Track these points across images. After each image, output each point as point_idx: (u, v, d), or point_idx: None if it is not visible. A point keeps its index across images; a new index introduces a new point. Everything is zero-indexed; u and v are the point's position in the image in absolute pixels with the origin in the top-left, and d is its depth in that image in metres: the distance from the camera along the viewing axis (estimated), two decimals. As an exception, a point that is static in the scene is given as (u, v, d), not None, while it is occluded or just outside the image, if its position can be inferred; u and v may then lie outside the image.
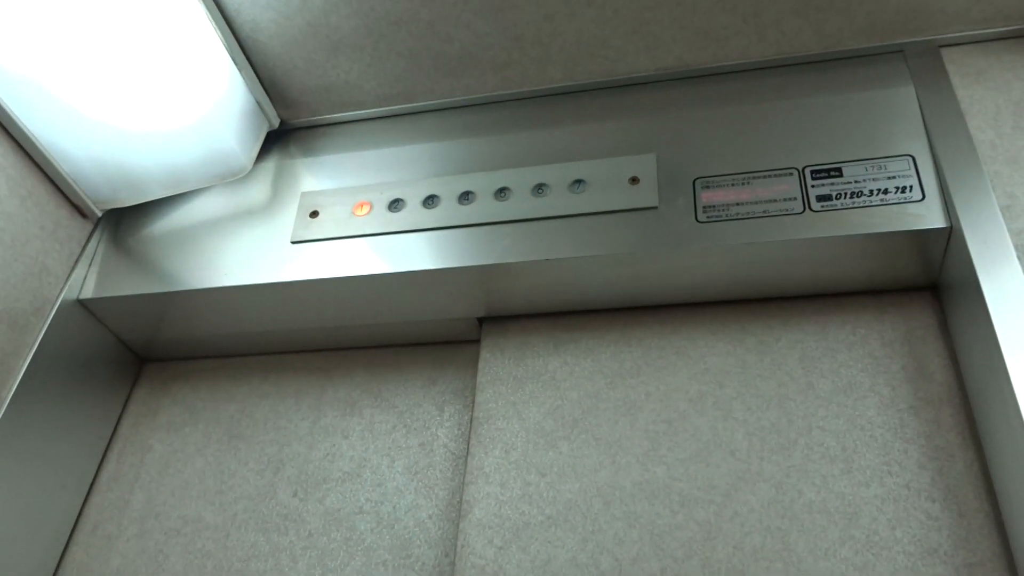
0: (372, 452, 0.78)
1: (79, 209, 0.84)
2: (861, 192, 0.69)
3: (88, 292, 0.82)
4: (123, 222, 0.87)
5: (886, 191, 0.68)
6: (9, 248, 0.76)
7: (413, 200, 0.79)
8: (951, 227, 0.65)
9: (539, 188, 0.76)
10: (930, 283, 0.71)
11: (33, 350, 0.77)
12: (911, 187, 0.68)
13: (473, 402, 0.76)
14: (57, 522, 0.80)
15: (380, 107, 0.87)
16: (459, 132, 0.83)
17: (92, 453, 0.85)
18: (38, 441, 0.78)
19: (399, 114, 0.87)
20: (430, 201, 0.79)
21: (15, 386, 0.75)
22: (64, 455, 0.81)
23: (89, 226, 0.85)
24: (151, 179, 0.83)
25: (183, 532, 0.78)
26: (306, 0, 0.77)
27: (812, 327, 0.72)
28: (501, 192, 0.77)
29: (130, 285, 0.82)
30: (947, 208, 0.66)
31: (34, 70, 0.74)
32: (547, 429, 0.72)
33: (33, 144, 0.78)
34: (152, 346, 0.90)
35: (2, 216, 0.75)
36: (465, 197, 0.78)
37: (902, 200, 0.67)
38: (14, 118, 0.76)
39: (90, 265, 0.84)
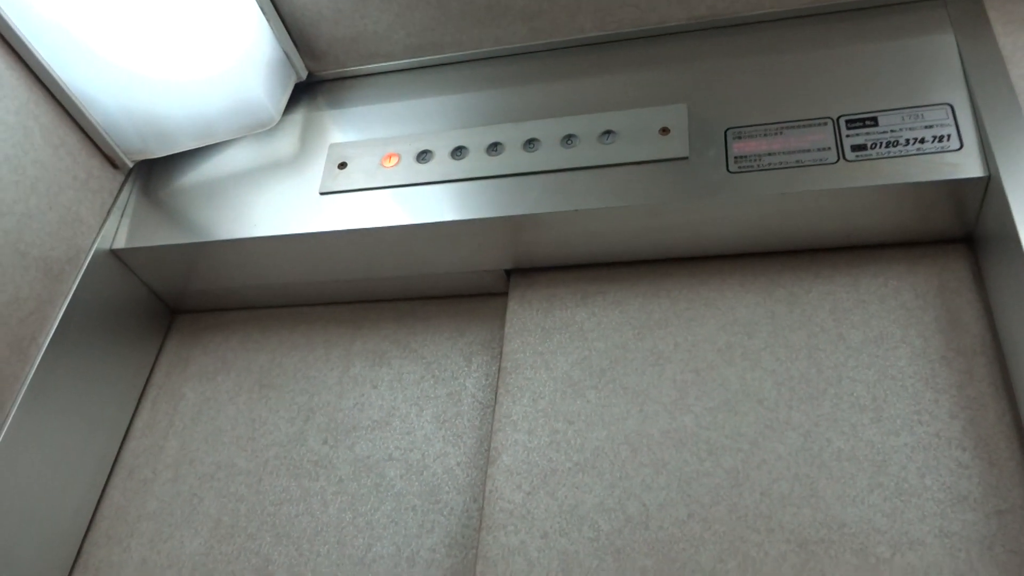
0: (401, 401, 0.79)
1: (110, 160, 0.85)
2: (897, 141, 0.68)
3: (120, 242, 0.83)
4: (153, 173, 0.88)
5: (923, 140, 0.67)
6: (43, 197, 0.77)
7: (441, 151, 0.79)
8: (989, 176, 0.64)
9: (568, 139, 0.76)
10: (965, 234, 0.70)
11: (68, 299, 0.79)
12: (949, 136, 0.67)
13: (501, 353, 0.76)
14: (94, 466, 0.82)
15: (408, 58, 0.86)
16: (488, 83, 0.83)
17: (126, 401, 0.87)
18: (74, 387, 0.80)
19: (427, 65, 0.86)
20: (458, 152, 0.78)
21: (51, 333, 0.77)
22: (99, 401, 0.83)
23: (120, 177, 0.86)
24: (180, 130, 0.84)
25: (216, 477, 0.80)
26: (334, -52, 0.77)
27: (844, 279, 0.71)
28: (530, 143, 0.77)
29: (161, 236, 0.83)
30: (985, 157, 0.65)
31: (66, 19, 0.74)
32: (575, 378, 0.72)
33: (65, 93, 0.78)
34: (183, 297, 0.91)
35: (37, 165, 0.76)
36: (493, 148, 0.77)
37: (939, 149, 0.66)
38: (47, 67, 0.76)
39: (122, 216, 0.85)
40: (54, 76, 0.77)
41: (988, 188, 0.65)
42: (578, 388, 0.72)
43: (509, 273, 0.81)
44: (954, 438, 0.62)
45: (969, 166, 0.65)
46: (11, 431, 0.73)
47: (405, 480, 0.74)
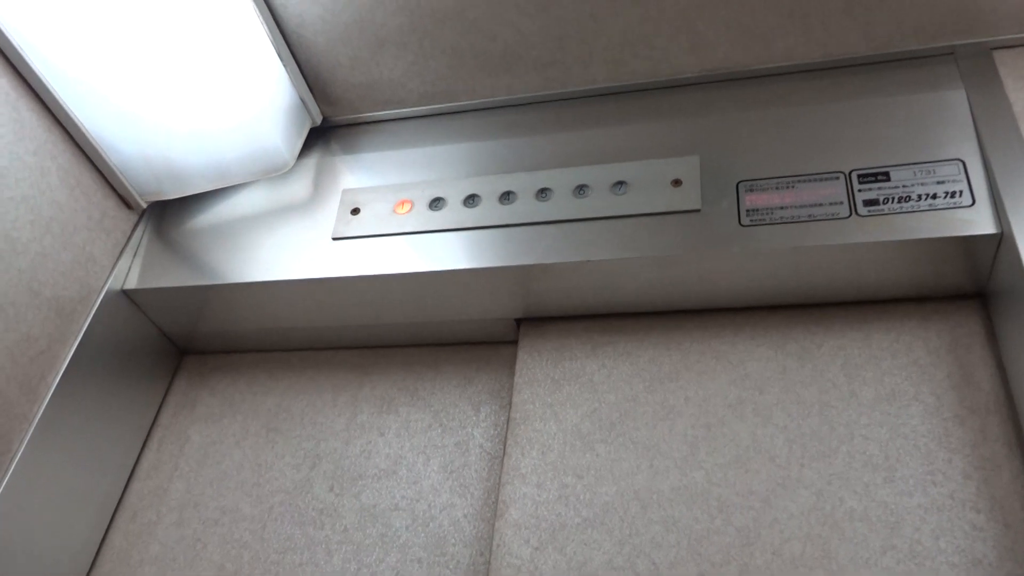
0: (408, 450, 0.79)
1: (125, 200, 0.85)
2: (909, 197, 0.68)
3: (132, 283, 0.84)
4: (167, 214, 0.88)
5: (935, 196, 0.67)
6: (58, 237, 0.77)
7: (454, 199, 0.79)
8: (1002, 233, 0.64)
9: (580, 189, 0.76)
10: (978, 290, 0.70)
11: (79, 338, 0.79)
12: (961, 192, 0.67)
13: (510, 403, 0.76)
14: (98, 508, 0.82)
15: (422, 105, 0.87)
16: (501, 132, 0.84)
17: (133, 441, 0.86)
18: (81, 427, 0.79)
19: (441, 113, 0.87)
20: (471, 200, 0.79)
21: (60, 372, 0.77)
22: (105, 442, 0.83)
23: (134, 217, 0.87)
24: (195, 173, 0.84)
25: (221, 522, 0.79)
26: (352, -2, 0.78)
27: (855, 334, 0.71)
28: (542, 192, 0.77)
29: (173, 277, 0.83)
30: (998, 214, 0.65)
31: (87, 66, 0.75)
32: (584, 431, 0.72)
33: (84, 136, 0.79)
34: (192, 338, 0.91)
35: (53, 205, 0.77)
36: (506, 197, 0.78)
37: (951, 205, 0.66)
38: (66, 110, 0.77)
39: (134, 256, 0.85)
40: (74, 119, 0.78)
41: (1000, 245, 0.65)
42: (588, 441, 0.71)
43: (519, 322, 0.81)
44: (968, 499, 0.61)
45: (981, 223, 0.65)
46: (17, 470, 0.73)
47: (411, 531, 0.74)
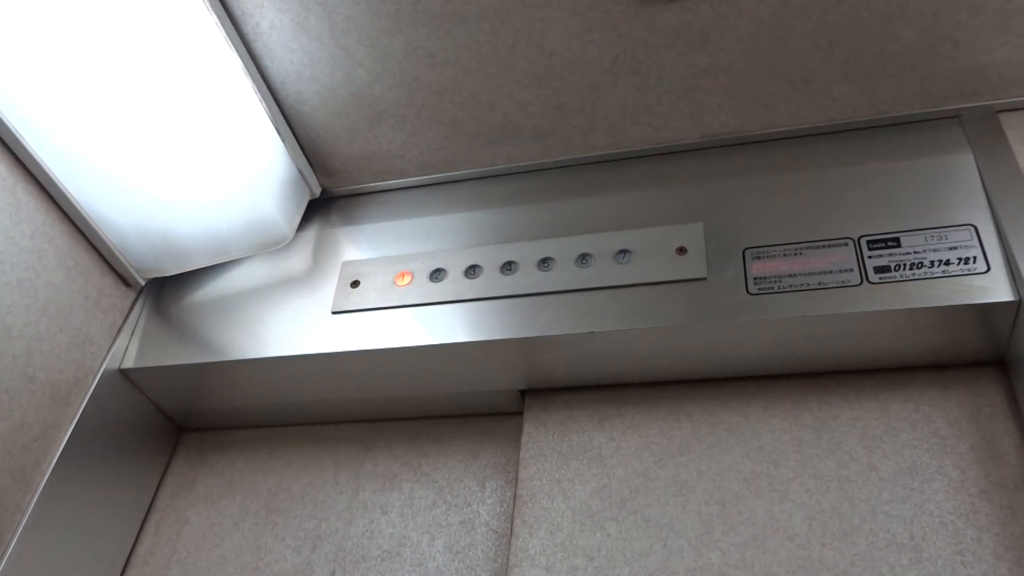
0: (412, 529, 0.76)
1: (123, 278, 0.84)
2: (922, 263, 0.66)
3: (130, 362, 0.82)
4: (165, 290, 0.87)
5: (948, 262, 0.65)
6: (55, 319, 0.76)
7: (455, 270, 0.78)
8: (1020, 300, 0.62)
9: (583, 258, 0.75)
10: (997, 358, 0.68)
11: (74, 422, 0.77)
12: (975, 258, 0.65)
13: (516, 478, 0.73)
14: (93, 598, 0.79)
15: (422, 175, 0.86)
16: (501, 201, 0.83)
17: (130, 525, 0.84)
18: (77, 513, 0.77)
19: (441, 182, 0.87)
20: (472, 271, 0.77)
21: (55, 458, 0.75)
22: (102, 527, 0.80)
23: (132, 295, 0.86)
24: (194, 248, 0.83)
25: (219, 611, 0.77)
26: (350, 72, 0.78)
27: (872, 404, 0.69)
28: (544, 262, 0.76)
29: (171, 355, 0.81)
30: (1014, 280, 0.63)
31: (81, 141, 0.75)
32: (594, 509, 0.69)
33: (80, 214, 0.79)
34: (191, 415, 0.89)
35: (49, 287, 0.76)
36: (508, 267, 0.77)
37: (966, 272, 0.64)
38: (62, 189, 0.77)
39: (132, 335, 0.84)
40: (69, 198, 0.77)
41: (1020, 312, 0.63)
42: (597, 520, 0.68)
43: (524, 393, 0.79)
44: (1001, 582, 0.58)
45: (998, 289, 0.63)
46: (11, 562, 0.70)
47: (416, 618, 0.71)
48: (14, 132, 0.73)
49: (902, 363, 0.69)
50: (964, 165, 0.70)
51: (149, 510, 0.86)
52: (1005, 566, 0.59)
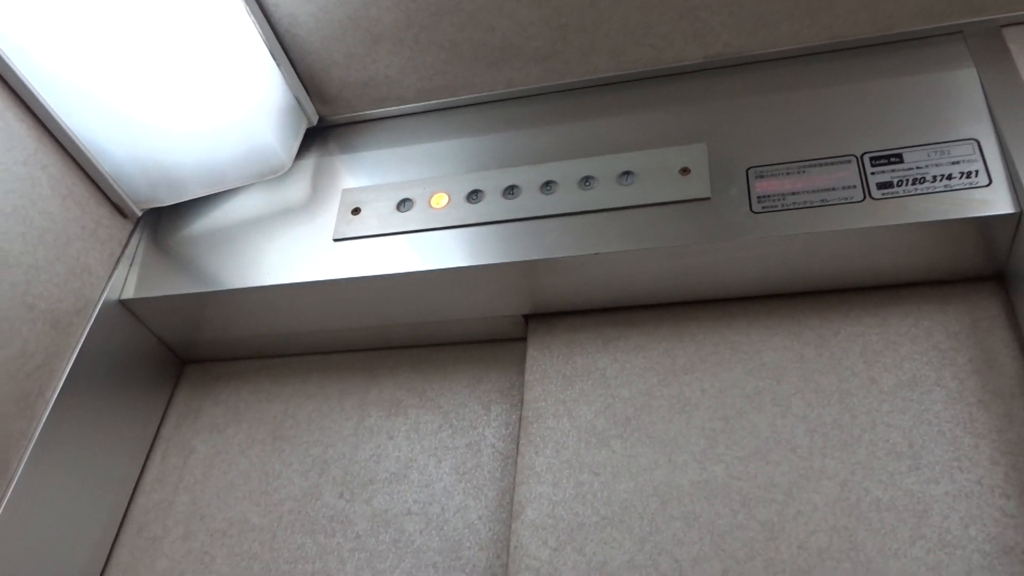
0: (418, 452, 0.77)
1: (119, 208, 0.83)
2: (924, 178, 0.66)
3: (129, 292, 0.82)
4: (162, 221, 0.86)
5: (950, 176, 0.66)
6: (51, 248, 0.75)
7: (457, 195, 0.77)
8: (1021, 212, 0.63)
9: (586, 181, 0.74)
10: (996, 272, 0.69)
11: (76, 351, 0.77)
12: (976, 172, 0.65)
13: (521, 401, 0.74)
14: (102, 523, 0.80)
15: (421, 102, 0.85)
16: (502, 125, 0.82)
17: (135, 454, 0.84)
18: (82, 442, 0.78)
19: (440, 108, 0.85)
20: (474, 196, 0.77)
21: (59, 387, 0.75)
22: (107, 456, 0.81)
23: (129, 226, 0.85)
24: (190, 178, 0.82)
25: (229, 534, 0.78)
26: (346, -7, 0.76)
27: (872, 320, 0.70)
28: (547, 185, 0.75)
29: (171, 285, 0.81)
30: (1016, 193, 0.63)
31: (73, 69, 0.73)
32: (599, 428, 0.70)
33: (74, 143, 0.77)
34: (193, 347, 0.89)
35: (45, 216, 0.75)
36: (510, 191, 0.76)
37: (968, 186, 0.65)
38: (55, 116, 0.75)
39: (131, 265, 0.83)
40: (62, 126, 0.76)
41: (1020, 225, 0.63)
42: (603, 438, 0.69)
43: (528, 318, 0.79)
44: (997, 485, 0.60)
45: (999, 202, 0.64)
46: (18, 489, 0.71)
47: (425, 536, 0.72)
48: (5, 59, 0.71)
49: (902, 280, 0.70)
50: (967, 80, 0.70)
51: (155, 439, 0.86)
52: (1001, 471, 0.60)
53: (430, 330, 0.83)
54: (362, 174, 0.83)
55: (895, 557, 0.59)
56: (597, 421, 0.71)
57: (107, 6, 0.69)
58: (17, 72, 0.72)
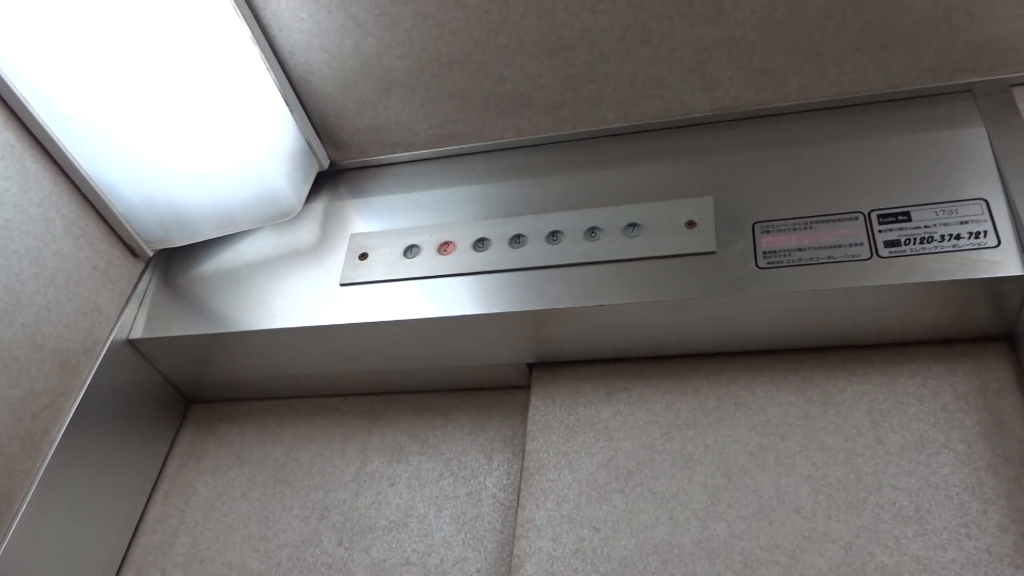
0: (419, 500, 0.77)
1: (131, 248, 0.84)
2: (932, 237, 0.66)
3: (138, 332, 0.82)
4: (173, 262, 0.87)
5: (958, 236, 0.65)
6: (63, 288, 0.76)
7: (463, 243, 0.78)
8: (1030, 275, 0.62)
9: (592, 231, 0.75)
10: (1006, 333, 0.68)
11: (83, 391, 0.77)
12: (985, 232, 0.65)
13: (523, 451, 0.74)
14: (103, 564, 0.79)
15: (431, 148, 0.86)
16: (510, 174, 0.82)
17: (138, 494, 0.84)
18: (85, 482, 0.78)
19: (450, 155, 0.86)
20: (480, 244, 0.77)
21: (64, 427, 0.75)
22: (111, 497, 0.81)
23: (140, 265, 0.86)
24: (202, 219, 0.83)
25: (227, 579, 0.77)
26: (359, 42, 0.77)
27: (879, 378, 0.69)
28: (553, 235, 0.76)
29: (179, 326, 0.82)
30: (1025, 255, 0.63)
31: (89, 111, 0.74)
32: (600, 481, 0.69)
33: (88, 184, 0.78)
34: (199, 387, 0.90)
35: (57, 256, 0.76)
36: (516, 240, 0.76)
37: (976, 246, 0.64)
38: (70, 158, 0.77)
39: (140, 305, 0.84)
40: (78, 167, 0.77)
41: (1029, 287, 0.63)
42: (604, 492, 0.69)
43: (532, 367, 0.79)
44: (1006, 554, 0.58)
45: (1008, 264, 0.63)
46: (19, 528, 0.71)
47: (423, 587, 0.71)
48: (23, 101, 0.72)
49: (910, 338, 0.69)
50: (976, 139, 0.70)
51: (157, 480, 0.86)
52: (1010, 538, 0.59)
53: (434, 376, 0.83)
54: (371, 218, 0.84)
55: (900, 626, 0.57)
56: (599, 474, 0.70)
57: (126, 50, 0.71)
58: (35, 115, 0.74)
